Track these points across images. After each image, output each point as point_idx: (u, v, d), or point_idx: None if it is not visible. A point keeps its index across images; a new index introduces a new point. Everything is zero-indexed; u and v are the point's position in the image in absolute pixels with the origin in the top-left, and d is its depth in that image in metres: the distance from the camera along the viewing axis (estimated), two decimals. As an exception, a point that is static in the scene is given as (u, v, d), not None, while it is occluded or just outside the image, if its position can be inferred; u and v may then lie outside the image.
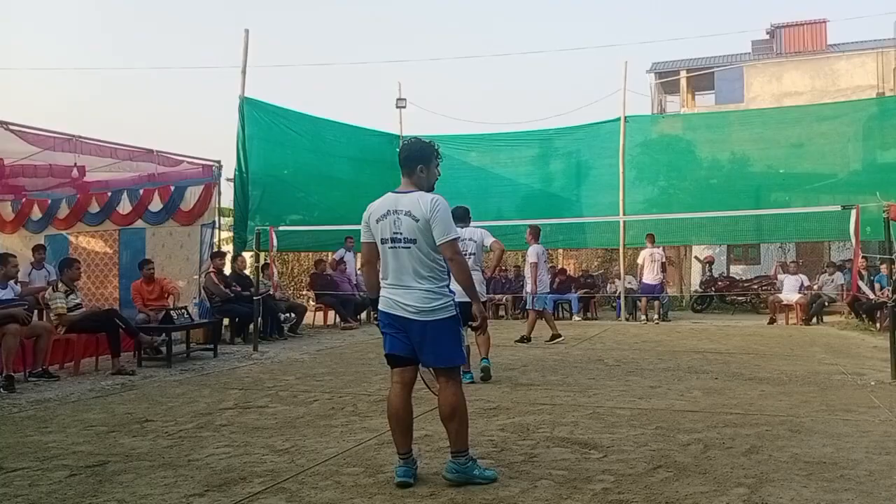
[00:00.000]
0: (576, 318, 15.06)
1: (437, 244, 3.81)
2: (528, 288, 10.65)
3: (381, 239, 3.91)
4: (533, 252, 10.50)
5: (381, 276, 4.01)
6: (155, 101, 66.12)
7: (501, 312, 16.03)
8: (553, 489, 3.75)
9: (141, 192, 12.11)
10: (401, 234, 3.83)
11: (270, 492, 3.80)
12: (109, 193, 12.35)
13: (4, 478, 4.12)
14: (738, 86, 27.53)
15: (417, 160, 3.96)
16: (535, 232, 10.59)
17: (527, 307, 11.16)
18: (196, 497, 3.73)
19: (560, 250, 21.00)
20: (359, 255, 13.16)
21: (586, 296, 15.63)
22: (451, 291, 3.96)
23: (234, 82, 13.52)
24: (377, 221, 3.92)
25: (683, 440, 4.68)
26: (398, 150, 4.07)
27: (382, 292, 3.97)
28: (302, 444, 4.78)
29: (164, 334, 8.80)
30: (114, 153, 10.73)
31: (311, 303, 14.41)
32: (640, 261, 14.63)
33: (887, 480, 3.76)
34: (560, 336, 10.52)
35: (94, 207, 12.46)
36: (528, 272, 10.66)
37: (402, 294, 3.85)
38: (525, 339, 10.51)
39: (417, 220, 3.81)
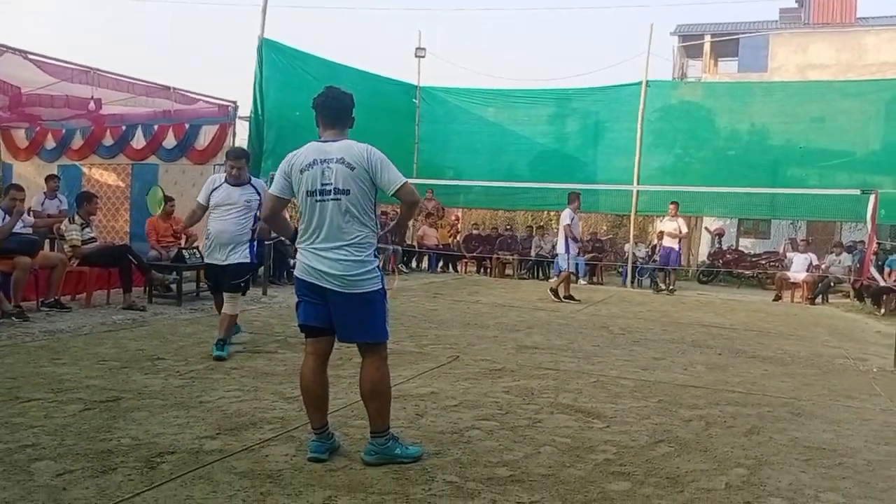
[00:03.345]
0: (581, 281, 15.09)
1: (393, 192, 3.53)
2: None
3: (307, 191, 3.54)
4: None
5: (300, 235, 3.65)
6: (174, 36, 65.23)
7: (509, 271, 16.09)
8: (556, 456, 3.82)
9: (156, 128, 12.11)
10: (330, 184, 3.49)
11: (280, 440, 3.88)
12: (124, 127, 12.36)
13: (21, 407, 4.22)
14: (762, 54, 27.03)
15: (350, 109, 3.68)
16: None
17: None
18: (208, 439, 3.82)
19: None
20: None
21: (594, 261, 15.62)
22: (376, 257, 3.65)
23: (254, 22, 13.33)
24: (301, 172, 3.55)
25: (686, 415, 4.75)
26: (321, 98, 3.67)
27: (299, 256, 3.64)
28: (310, 393, 4.85)
29: (175, 273, 8.88)
30: (131, 88, 10.68)
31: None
32: (663, 228, 14.54)
33: (885, 471, 3.83)
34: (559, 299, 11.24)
35: (109, 140, 12.48)
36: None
37: (321, 261, 3.52)
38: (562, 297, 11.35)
39: (354, 168, 3.49)
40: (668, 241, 14.06)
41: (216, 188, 6.10)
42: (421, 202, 16.45)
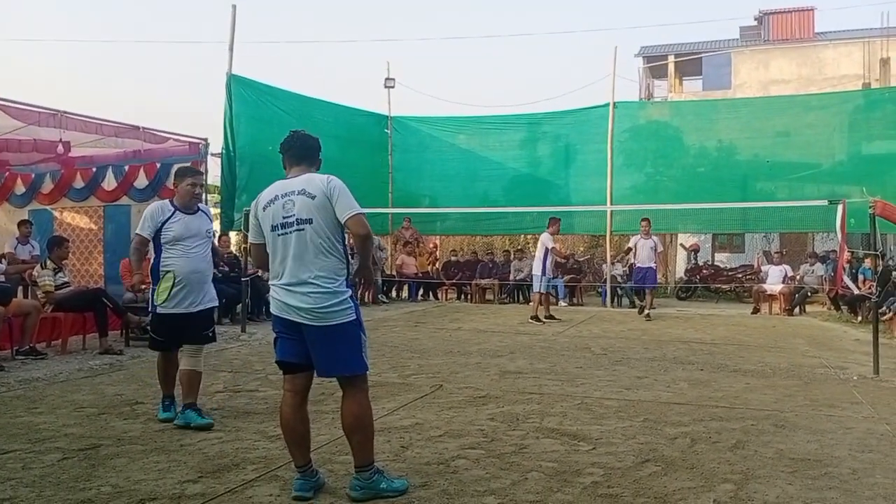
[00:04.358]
0: (562, 303, 15.11)
1: (344, 220, 3.47)
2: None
3: (271, 226, 3.56)
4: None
5: (271, 272, 3.65)
6: (141, 76, 65.22)
7: (489, 296, 16.09)
8: (543, 482, 3.80)
9: (126, 168, 12.01)
10: (293, 215, 3.48)
11: (264, 479, 3.82)
12: (94, 169, 12.24)
13: (-4, 461, 4.12)
14: (725, 72, 27.61)
15: (316, 150, 3.75)
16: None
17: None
18: (190, 483, 3.75)
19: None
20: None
21: (573, 282, 15.67)
22: (349, 287, 3.59)
23: (221, 58, 13.36)
24: (264, 209, 3.59)
25: (671, 433, 4.76)
26: (287, 141, 3.73)
27: (272, 293, 3.63)
28: (294, 430, 4.79)
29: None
30: (99, 129, 10.62)
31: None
32: (631, 244, 14.02)
33: (870, 479, 3.85)
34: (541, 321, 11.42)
35: (79, 183, 12.35)
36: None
37: (292, 296, 3.50)
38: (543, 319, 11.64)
39: (314, 197, 3.48)
40: (643, 261, 13.53)
41: (169, 218, 5.09)
42: (398, 231, 16.61)
